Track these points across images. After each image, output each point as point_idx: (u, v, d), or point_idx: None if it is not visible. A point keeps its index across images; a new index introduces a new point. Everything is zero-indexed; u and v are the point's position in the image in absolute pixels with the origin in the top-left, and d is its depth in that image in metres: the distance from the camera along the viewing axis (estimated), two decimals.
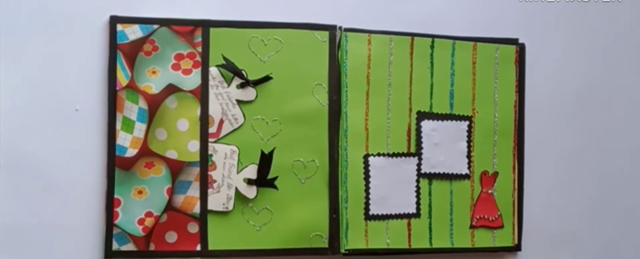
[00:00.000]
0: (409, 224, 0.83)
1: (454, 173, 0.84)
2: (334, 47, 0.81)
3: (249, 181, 0.78)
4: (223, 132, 0.78)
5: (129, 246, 0.76)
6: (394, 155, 0.82)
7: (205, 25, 0.78)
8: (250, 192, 0.78)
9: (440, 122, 0.84)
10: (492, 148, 0.86)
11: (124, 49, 0.76)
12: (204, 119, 0.78)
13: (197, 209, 0.77)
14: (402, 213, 0.82)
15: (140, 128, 0.76)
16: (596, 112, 0.91)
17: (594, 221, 0.91)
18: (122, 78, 0.76)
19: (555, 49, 0.89)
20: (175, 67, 0.77)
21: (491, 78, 0.86)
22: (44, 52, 0.75)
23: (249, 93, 0.79)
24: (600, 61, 0.91)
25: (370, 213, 0.81)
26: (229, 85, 0.78)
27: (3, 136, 0.74)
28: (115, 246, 0.76)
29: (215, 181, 0.78)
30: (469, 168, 0.85)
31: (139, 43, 0.77)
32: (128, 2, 0.77)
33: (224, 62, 0.78)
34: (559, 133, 0.90)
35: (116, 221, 0.76)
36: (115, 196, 0.76)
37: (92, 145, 0.76)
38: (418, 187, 0.83)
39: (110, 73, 0.76)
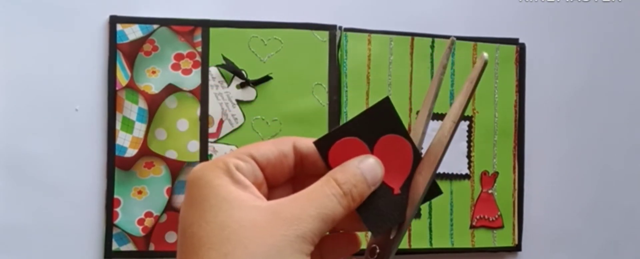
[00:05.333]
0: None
1: (454, 173, 0.84)
2: (334, 47, 0.81)
3: None
4: (223, 132, 0.78)
5: (129, 246, 0.76)
6: None
7: (205, 25, 0.78)
8: None
9: (440, 121, 0.84)
10: (492, 148, 0.86)
11: (123, 49, 0.76)
12: (204, 119, 0.78)
13: None
14: None
15: (140, 128, 0.76)
16: (596, 112, 0.91)
17: (594, 221, 0.91)
18: (122, 78, 0.76)
19: (555, 49, 0.89)
20: (175, 67, 0.77)
21: (491, 78, 0.86)
22: (43, 52, 0.75)
23: (249, 93, 0.79)
24: (600, 61, 0.91)
25: None
26: (228, 85, 0.78)
27: (3, 137, 0.74)
28: (115, 246, 0.76)
29: None
30: (469, 168, 0.85)
31: (138, 43, 0.77)
32: (128, 2, 0.77)
33: (223, 62, 0.78)
34: (559, 133, 0.90)
35: (116, 221, 0.76)
36: (115, 196, 0.76)
37: (91, 145, 0.76)
38: None
39: (110, 73, 0.76)
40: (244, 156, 0.31)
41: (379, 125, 0.33)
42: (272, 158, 0.32)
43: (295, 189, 0.32)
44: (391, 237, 0.33)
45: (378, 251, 0.33)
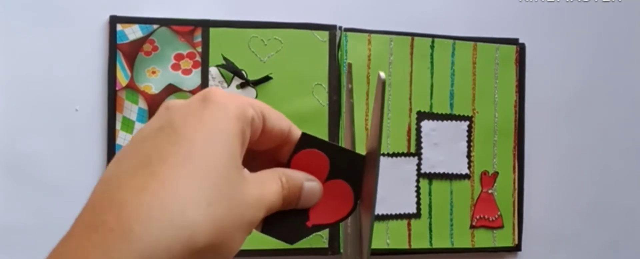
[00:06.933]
0: (409, 224, 0.83)
1: (454, 173, 0.84)
2: (334, 47, 0.81)
3: None
4: None
5: None
6: (394, 155, 0.82)
7: (205, 25, 0.78)
8: None
9: (440, 122, 0.84)
10: (492, 148, 0.86)
11: (123, 49, 0.76)
12: None
13: None
14: (402, 213, 0.82)
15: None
16: (596, 112, 0.91)
17: (594, 221, 0.91)
18: (122, 78, 0.76)
19: (555, 49, 0.89)
20: (175, 67, 0.77)
21: (491, 78, 0.86)
22: (43, 51, 0.75)
23: (249, 93, 0.79)
24: (600, 61, 0.91)
25: None
26: (229, 85, 0.78)
27: (3, 137, 0.74)
28: None
29: None
30: (469, 168, 0.85)
31: (138, 43, 0.77)
32: (128, 2, 0.77)
33: (223, 62, 0.78)
34: (559, 133, 0.90)
35: None
36: None
37: (91, 145, 0.76)
38: (418, 187, 0.83)
39: (110, 73, 0.76)
40: (260, 112, 0.30)
41: (349, 171, 0.34)
42: (275, 129, 0.32)
43: (247, 159, 0.31)
44: None
45: None
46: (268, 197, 0.30)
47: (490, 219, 0.86)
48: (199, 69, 0.78)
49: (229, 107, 0.28)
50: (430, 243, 0.83)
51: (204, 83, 0.78)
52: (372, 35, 0.82)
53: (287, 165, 0.33)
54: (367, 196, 0.34)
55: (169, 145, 0.26)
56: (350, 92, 0.35)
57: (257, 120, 0.30)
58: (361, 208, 0.34)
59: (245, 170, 0.30)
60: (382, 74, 0.31)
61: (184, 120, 0.27)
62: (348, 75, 0.35)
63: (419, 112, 0.83)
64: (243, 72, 0.79)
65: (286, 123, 0.33)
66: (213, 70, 0.78)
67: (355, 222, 0.35)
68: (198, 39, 0.78)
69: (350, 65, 0.36)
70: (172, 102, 0.29)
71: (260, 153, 0.34)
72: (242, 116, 0.28)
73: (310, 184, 0.32)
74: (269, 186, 0.30)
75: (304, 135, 0.34)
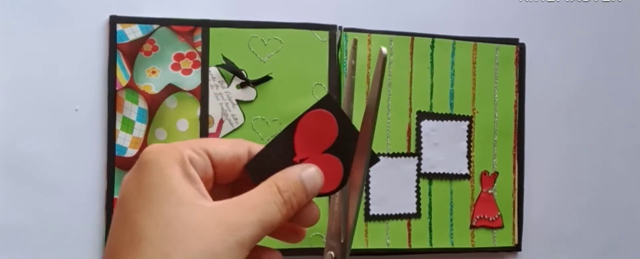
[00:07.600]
0: (409, 224, 0.83)
1: (454, 173, 0.84)
2: (334, 47, 0.81)
3: None
4: (223, 132, 0.78)
5: None
6: (393, 155, 0.82)
7: (205, 25, 0.78)
8: None
9: (440, 122, 0.84)
10: (492, 148, 0.86)
11: (123, 49, 0.76)
12: (204, 119, 0.78)
13: None
14: (402, 213, 0.82)
15: (140, 129, 0.76)
16: (596, 112, 0.91)
17: (594, 221, 0.91)
18: (122, 78, 0.76)
19: (555, 49, 0.89)
20: (175, 67, 0.77)
21: (491, 78, 0.86)
22: (43, 52, 0.75)
23: (249, 93, 0.79)
24: (600, 61, 0.91)
25: (370, 213, 0.81)
26: (228, 85, 0.78)
27: (3, 137, 0.74)
28: None
29: None
30: (469, 168, 0.85)
31: (138, 43, 0.77)
32: (128, 2, 0.77)
33: (223, 62, 0.78)
34: (559, 133, 0.90)
35: None
36: (115, 196, 0.76)
37: (91, 145, 0.76)
38: (418, 187, 0.83)
39: (110, 73, 0.76)
40: (200, 150, 0.31)
41: (347, 149, 0.34)
42: (226, 158, 0.32)
43: (234, 189, 0.32)
44: (341, 241, 0.34)
45: (334, 256, 0.34)
46: (257, 211, 0.30)
47: (490, 219, 0.86)
48: (199, 69, 0.78)
49: (159, 159, 0.29)
50: (430, 243, 0.83)
51: (204, 83, 0.78)
52: (372, 35, 0.82)
53: (300, 117, 0.33)
54: (356, 175, 0.33)
55: (121, 225, 0.29)
56: (353, 68, 0.35)
57: (198, 157, 0.31)
58: (349, 187, 0.34)
59: (218, 201, 0.30)
60: (384, 50, 0.31)
61: (127, 194, 0.29)
62: (352, 52, 0.35)
63: (419, 112, 0.83)
64: (243, 72, 0.79)
65: (240, 148, 0.33)
66: (213, 70, 0.78)
67: (343, 200, 0.35)
68: (198, 39, 0.78)
69: (355, 41, 0.36)
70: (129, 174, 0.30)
71: (242, 184, 0.34)
72: (176, 160, 0.29)
73: (306, 171, 0.33)
74: (258, 201, 0.30)
75: (327, 96, 0.34)
